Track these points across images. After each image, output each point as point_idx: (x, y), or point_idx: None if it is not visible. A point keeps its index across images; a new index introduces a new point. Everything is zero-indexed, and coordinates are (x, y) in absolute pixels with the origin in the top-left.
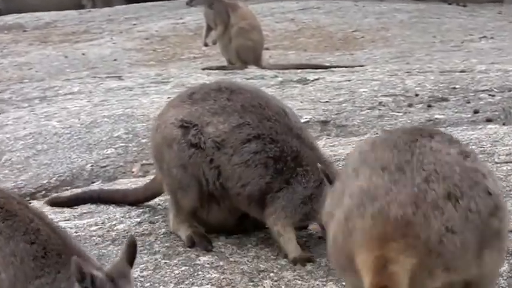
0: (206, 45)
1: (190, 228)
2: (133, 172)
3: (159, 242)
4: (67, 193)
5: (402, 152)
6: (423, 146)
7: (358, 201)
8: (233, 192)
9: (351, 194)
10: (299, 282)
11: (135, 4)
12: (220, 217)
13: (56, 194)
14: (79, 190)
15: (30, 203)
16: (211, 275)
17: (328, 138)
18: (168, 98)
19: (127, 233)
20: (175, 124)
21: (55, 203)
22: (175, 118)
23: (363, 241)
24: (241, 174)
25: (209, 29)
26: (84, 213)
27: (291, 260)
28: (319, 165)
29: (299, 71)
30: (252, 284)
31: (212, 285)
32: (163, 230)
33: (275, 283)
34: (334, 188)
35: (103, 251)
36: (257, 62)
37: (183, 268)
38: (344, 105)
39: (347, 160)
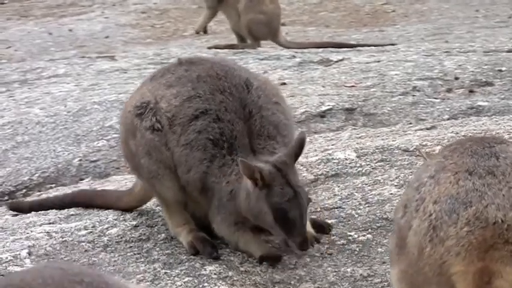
0: (197, 32)
1: (191, 233)
2: (128, 168)
3: (158, 249)
4: (32, 198)
5: (485, 157)
6: (504, 151)
7: (448, 207)
8: (183, 181)
9: (436, 201)
10: None
11: None
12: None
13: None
14: (53, 193)
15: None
16: (218, 287)
17: (354, 129)
18: None
19: (121, 238)
20: (132, 112)
21: (16, 208)
22: (132, 104)
23: (460, 250)
24: (186, 157)
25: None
26: (72, 215)
27: (258, 259)
28: (240, 160)
29: (320, 50)
30: None
31: None
32: (163, 235)
33: None
34: (402, 199)
35: (93, 259)
36: (274, 37)
37: (186, 279)
38: (372, 90)
39: (413, 178)
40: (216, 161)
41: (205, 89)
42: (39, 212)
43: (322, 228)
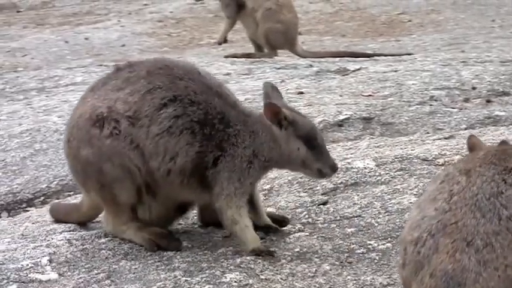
0: (219, 43)
1: (144, 230)
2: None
3: (178, 257)
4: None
5: (488, 215)
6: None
7: (443, 286)
8: (163, 173)
9: (432, 274)
10: None
11: None
12: (160, 213)
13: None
14: None
15: (27, 210)
16: None
17: (372, 138)
18: None
19: (141, 246)
20: (88, 123)
21: None
22: (85, 117)
23: None
24: (166, 145)
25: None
26: (92, 222)
27: (249, 252)
28: (269, 102)
29: (337, 59)
30: None
31: None
32: (184, 242)
33: None
34: (407, 229)
35: (114, 266)
36: (291, 46)
37: (207, 287)
38: (390, 99)
39: (421, 200)
40: (214, 137)
41: (162, 79)
42: None
43: (278, 222)
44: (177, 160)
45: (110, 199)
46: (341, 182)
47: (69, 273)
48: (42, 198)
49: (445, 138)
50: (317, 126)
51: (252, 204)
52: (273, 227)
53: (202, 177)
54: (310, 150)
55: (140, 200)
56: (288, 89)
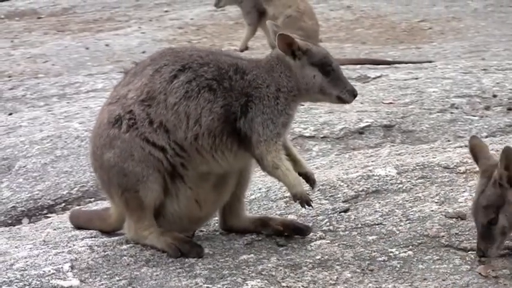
0: (241, 51)
1: (167, 235)
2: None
3: (200, 264)
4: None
5: None
6: None
7: None
8: (191, 139)
9: None
10: None
11: None
12: (191, 204)
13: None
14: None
15: (48, 216)
16: None
17: (393, 145)
18: None
19: (162, 252)
20: (107, 127)
21: None
22: (103, 122)
23: None
24: (186, 110)
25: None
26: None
27: (292, 196)
28: (280, 33)
29: (358, 67)
30: None
31: None
32: (206, 249)
33: None
34: None
35: (135, 273)
36: None
37: None
38: (411, 107)
39: None
40: (235, 88)
41: (168, 58)
42: None
43: (301, 231)
44: (202, 121)
45: (134, 203)
46: (362, 190)
47: (90, 280)
48: (63, 204)
49: (466, 146)
50: (331, 55)
51: (290, 157)
52: (311, 178)
53: (234, 132)
54: (326, 77)
55: (166, 194)
56: None
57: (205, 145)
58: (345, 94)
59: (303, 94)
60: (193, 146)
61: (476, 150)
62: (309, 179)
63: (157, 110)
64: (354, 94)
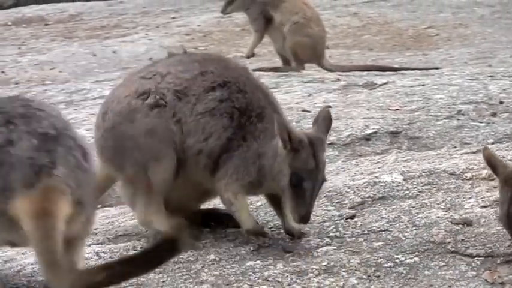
0: (247, 57)
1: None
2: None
3: (206, 270)
4: None
5: None
6: None
7: None
8: (194, 151)
9: None
10: None
11: None
12: (180, 195)
13: None
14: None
15: None
16: None
17: (400, 152)
18: None
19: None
20: (132, 96)
21: None
22: (130, 90)
23: None
24: (205, 125)
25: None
26: (120, 235)
27: (245, 232)
28: (277, 117)
29: (365, 73)
30: None
31: None
32: (211, 256)
33: None
34: None
35: (142, 279)
36: (319, 60)
37: None
38: (417, 113)
39: None
40: (245, 128)
41: (215, 66)
42: None
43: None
44: (209, 141)
45: (142, 182)
46: (369, 196)
47: None
48: None
49: (473, 153)
50: (319, 175)
51: (281, 211)
52: (294, 235)
53: (217, 160)
54: (291, 186)
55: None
56: (315, 103)
57: (202, 161)
58: (295, 214)
59: (270, 180)
60: (193, 158)
61: (493, 160)
62: (293, 235)
63: (184, 107)
64: (301, 222)
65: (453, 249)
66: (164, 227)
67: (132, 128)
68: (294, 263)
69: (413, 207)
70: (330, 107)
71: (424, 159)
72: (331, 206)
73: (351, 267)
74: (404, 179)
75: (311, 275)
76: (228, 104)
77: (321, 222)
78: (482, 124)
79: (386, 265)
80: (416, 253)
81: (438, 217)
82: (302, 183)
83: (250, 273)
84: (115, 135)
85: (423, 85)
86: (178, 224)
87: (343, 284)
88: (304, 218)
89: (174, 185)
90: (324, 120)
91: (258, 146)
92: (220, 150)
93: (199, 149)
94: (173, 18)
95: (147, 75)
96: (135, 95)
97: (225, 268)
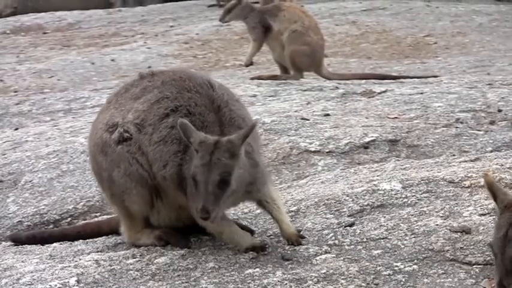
0: (246, 65)
1: (156, 231)
2: None
3: (206, 278)
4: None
5: None
6: None
7: None
8: (160, 178)
9: None
10: None
11: (172, 3)
12: (170, 217)
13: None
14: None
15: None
16: None
17: (398, 160)
18: None
19: (169, 266)
20: (103, 128)
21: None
22: (102, 122)
23: None
24: (161, 154)
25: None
26: (120, 243)
27: (244, 251)
28: (180, 121)
29: (363, 81)
30: None
31: None
32: (211, 263)
33: None
34: None
35: (141, 287)
36: (317, 68)
37: None
38: (416, 121)
39: None
40: (189, 151)
41: (172, 90)
42: (87, 240)
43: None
44: (167, 167)
45: (122, 209)
46: (367, 204)
47: None
48: (69, 219)
49: (471, 161)
50: (212, 169)
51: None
52: (293, 241)
53: (183, 189)
54: (192, 183)
55: (152, 207)
56: (314, 111)
57: (171, 186)
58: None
59: None
60: (162, 183)
61: (494, 187)
62: (292, 243)
63: (143, 139)
64: (200, 216)
65: (452, 257)
66: (149, 237)
67: (105, 161)
68: (293, 271)
69: (412, 215)
70: (328, 115)
71: (423, 167)
72: (330, 214)
73: (349, 275)
74: (403, 187)
75: (310, 282)
76: (176, 130)
77: (319, 230)
78: (481, 132)
79: (385, 273)
80: (415, 261)
81: (437, 225)
82: (196, 179)
83: (250, 281)
84: (96, 165)
85: (422, 93)
86: (166, 232)
87: None
88: (201, 212)
89: (160, 208)
90: (250, 127)
91: None
92: (178, 177)
93: (162, 175)
94: (171, 26)
95: (119, 106)
96: (105, 127)
97: (224, 276)
